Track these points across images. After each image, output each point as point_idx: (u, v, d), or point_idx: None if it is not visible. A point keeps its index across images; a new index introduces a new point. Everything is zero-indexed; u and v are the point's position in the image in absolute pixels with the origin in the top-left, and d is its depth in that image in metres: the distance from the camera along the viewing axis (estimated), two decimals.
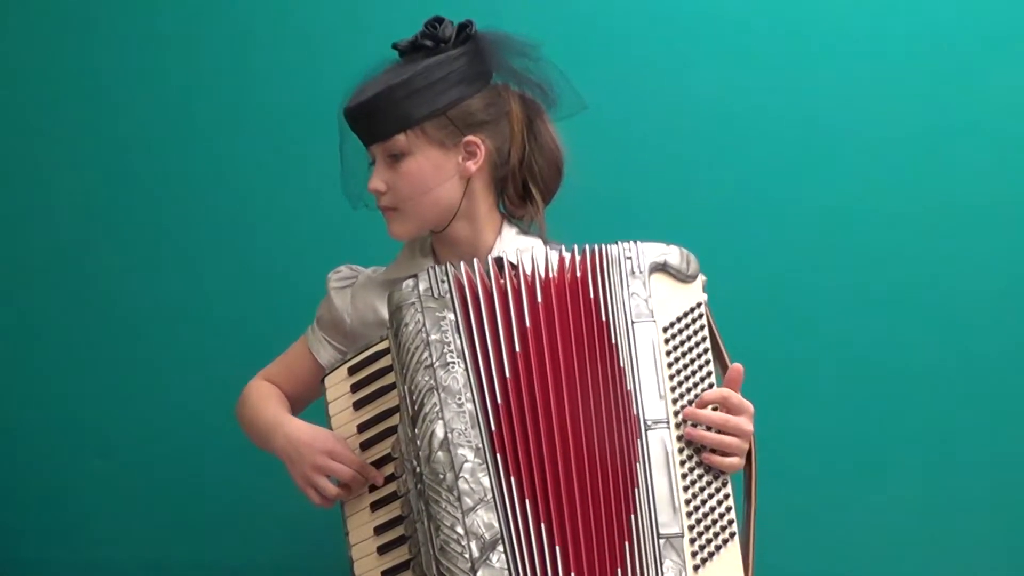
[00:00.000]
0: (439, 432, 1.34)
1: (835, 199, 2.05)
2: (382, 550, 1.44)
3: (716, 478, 1.37)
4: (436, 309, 1.40)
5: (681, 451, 1.37)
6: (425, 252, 1.65)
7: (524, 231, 1.64)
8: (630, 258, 1.44)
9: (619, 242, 1.45)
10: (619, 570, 1.31)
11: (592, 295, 1.42)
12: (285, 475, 1.55)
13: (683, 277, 1.45)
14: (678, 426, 1.38)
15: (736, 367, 1.42)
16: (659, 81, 2.06)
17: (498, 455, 1.33)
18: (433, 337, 1.38)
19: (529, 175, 1.61)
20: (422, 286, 1.42)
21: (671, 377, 1.39)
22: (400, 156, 1.55)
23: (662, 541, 1.32)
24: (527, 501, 1.32)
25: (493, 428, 1.34)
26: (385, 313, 1.45)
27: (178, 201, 2.14)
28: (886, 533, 2.03)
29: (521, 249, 1.47)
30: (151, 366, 2.13)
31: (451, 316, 1.40)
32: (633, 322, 1.40)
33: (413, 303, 1.40)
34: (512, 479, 1.32)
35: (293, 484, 1.53)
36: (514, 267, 1.44)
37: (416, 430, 1.35)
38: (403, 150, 1.55)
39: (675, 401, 1.39)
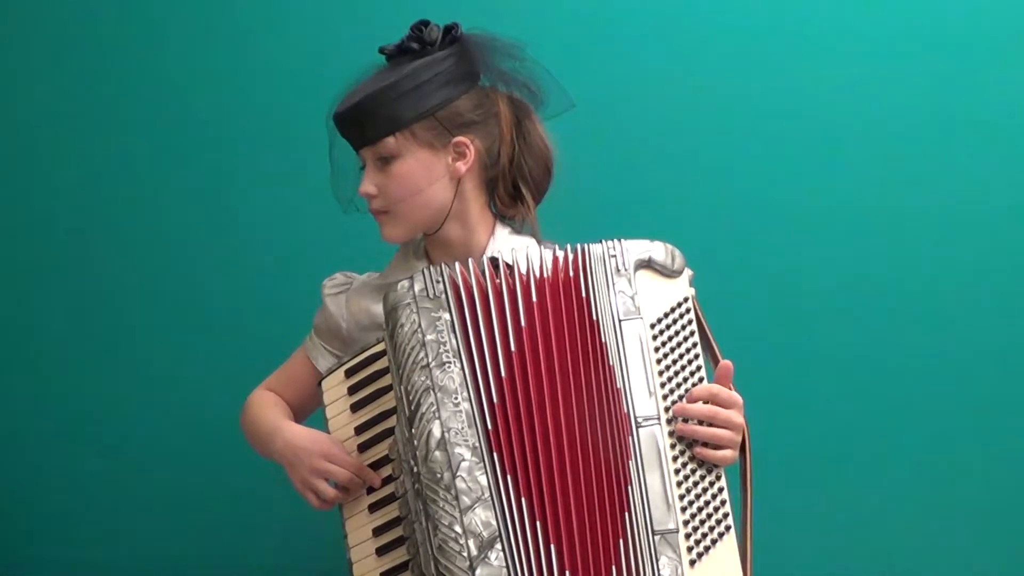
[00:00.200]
0: (436, 432, 1.34)
1: (830, 196, 2.03)
2: (381, 551, 1.44)
3: (709, 472, 1.38)
4: (432, 309, 1.40)
5: (673, 447, 1.37)
6: (419, 255, 1.66)
7: (517, 231, 1.64)
8: (615, 256, 1.44)
9: (603, 240, 1.46)
10: (614, 568, 1.31)
11: (584, 294, 1.42)
12: (284, 476, 1.56)
13: (669, 272, 1.45)
14: (669, 422, 1.38)
15: (726, 364, 1.43)
16: (657, 79, 2.05)
17: (495, 453, 1.34)
18: (429, 337, 1.39)
19: (519, 175, 1.62)
20: (417, 287, 1.42)
21: (660, 373, 1.40)
22: (390, 159, 1.56)
23: (657, 537, 1.32)
24: (523, 499, 1.32)
25: (490, 427, 1.35)
26: (380, 316, 1.46)
27: (177, 203, 2.13)
28: (885, 532, 2.03)
29: (516, 249, 1.48)
30: (151, 366, 2.13)
31: (446, 316, 1.40)
32: (620, 320, 1.41)
33: (409, 303, 1.41)
34: (509, 477, 1.33)
35: (293, 487, 1.55)
36: (509, 267, 1.44)
37: (413, 430, 1.35)
38: (393, 153, 1.55)
39: (665, 397, 1.39)
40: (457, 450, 1.33)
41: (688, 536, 1.34)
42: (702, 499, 1.36)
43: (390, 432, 1.43)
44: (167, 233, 2.14)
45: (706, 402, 1.40)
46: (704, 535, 1.35)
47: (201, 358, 2.12)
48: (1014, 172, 2.02)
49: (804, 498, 2.02)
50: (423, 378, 1.37)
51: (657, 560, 1.31)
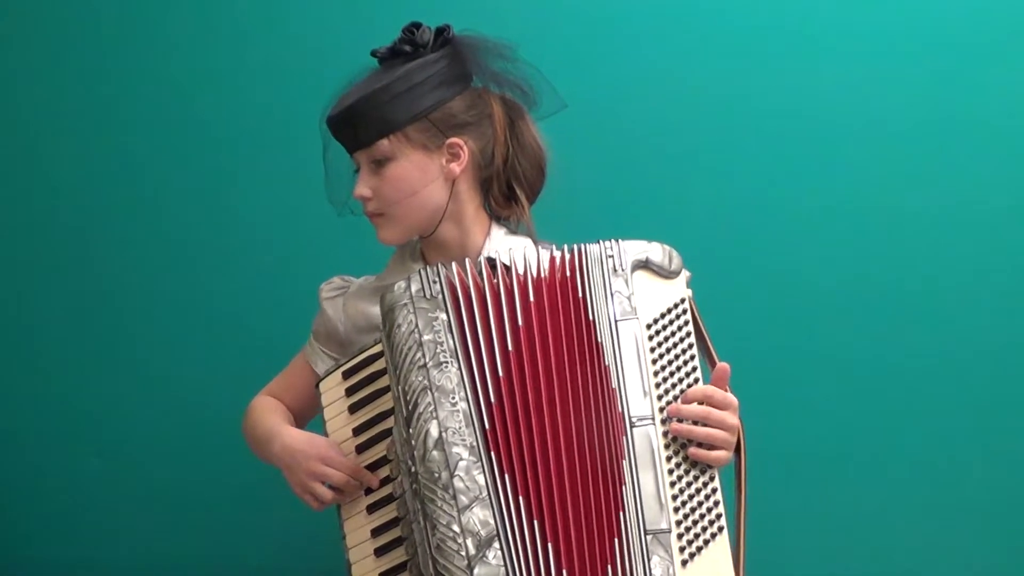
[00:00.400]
0: (433, 431, 1.34)
1: (830, 196, 2.03)
2: (379, 552, 1.45)
3: (703, 473, 1.37)
4: (428, 309, 1.40)
5: (667, 447, 1.37)
6: (415, 257, 1.66)
7: (513, 231, 1.64)
8: (612, 256, 1.44)
9: (600, 241, 1.46)
10: (609, 567, 1.31)
11: (581, 294, 1.42)
12: (283, 477, 1.57)
13: (666, 273, 1.45)
14: (663, 422, 1.38)
15: (723, 366, 1.42)
16: (656, 79, 2.05)
17: (492, 453, 1.34)
18: (426, 337, 1.39)
19: (513, 175, 1.62)
20: (414, 287, 1.42)
21: (655, 373, 1.39)
22: (384, 161, 1.56)
23: (649, 537, 1.32)
24: (521, 498, 1.32)
25: (487, 426, 1.35)
26: (378, 318, 1.46)
27: (177, 203, 2.14)
28: (885, 532, 2.03)
29: (512, 249, 1.48)
30: (151, 366, 2.14)
31: (443, 316, 1.40)
32: (616, 320, 1.40)
33: (405, 304, 1.41)
34: (507, 476, 1.33)
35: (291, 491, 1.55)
36: (505, 267, 1.44)
37: (411, 430, 1.35)
38: (387, 155, 1.56)
39: (660, 397, 1.38)
40: (455, 450, 1.33)
41: (680, 536, 1.33)
42: (695, 500, 1.36)
43: (388, 433, 1.43)
44: (167, 233, 2.14)
45: (701, 403, 1.39)
46: (697, 535, 1.34)
47: (201, 358, 2.12)
48: (1014, 172, 2.02)
49: (804, 498, 2.02)
50: (420, 378, 1.37)
51: (649, 560, 1.31)
